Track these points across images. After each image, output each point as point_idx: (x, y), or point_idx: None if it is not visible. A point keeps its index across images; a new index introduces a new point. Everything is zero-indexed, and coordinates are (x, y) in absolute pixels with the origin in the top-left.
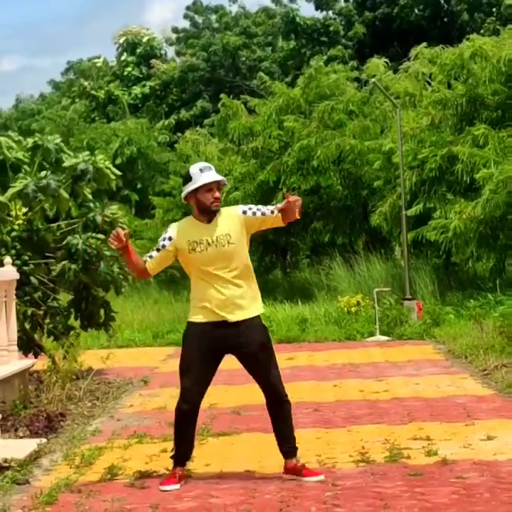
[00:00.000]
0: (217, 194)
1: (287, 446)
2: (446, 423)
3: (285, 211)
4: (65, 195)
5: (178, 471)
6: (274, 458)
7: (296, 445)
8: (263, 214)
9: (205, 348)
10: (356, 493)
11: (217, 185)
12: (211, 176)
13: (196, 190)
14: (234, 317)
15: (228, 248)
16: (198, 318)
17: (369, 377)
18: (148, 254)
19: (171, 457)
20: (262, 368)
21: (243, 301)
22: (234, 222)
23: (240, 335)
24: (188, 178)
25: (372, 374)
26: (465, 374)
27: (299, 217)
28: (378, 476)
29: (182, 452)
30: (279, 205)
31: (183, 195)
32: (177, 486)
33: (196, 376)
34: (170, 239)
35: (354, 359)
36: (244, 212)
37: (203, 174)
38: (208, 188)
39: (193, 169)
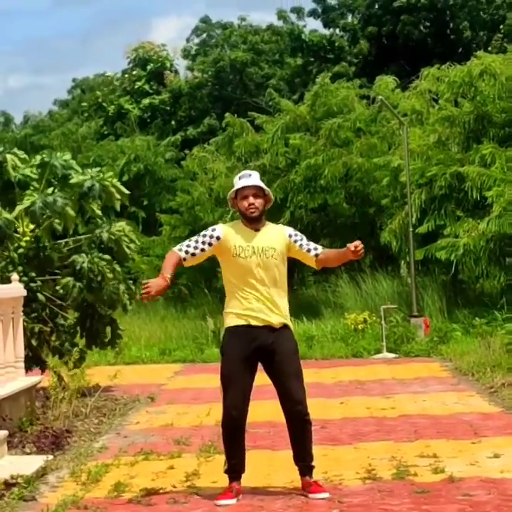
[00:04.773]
0: (251, 200)
1: (302, 463)
2: (453, 440)
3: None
4: (71, 212)
5: (235, 485)
6: (281, 475)
7: (313, 464)
8: (301, 246)
9: (242, 356)
10: (363, 511)
11: (255, 192)
12: (245, 182)
13: (236, 196)
14: (267, 323)
15: (271, 261)
16: (233, 328)
17: (376, 395)
18: (188, 251)
19: (225, 472)
20: (288, 379)
21: (276, 311)
22: (279, 240)
23: (272, 341)
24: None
25: (379, 391)
26: (472, 391)
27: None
28: (385, 493)
29: (235, 465)
30: (343, 250)
31: (229, 203)
32: (233, 501)
33: (237, 387)
34: (218, 239)
35: (361, 376)
36: (290, 236)
37: (239, 181)
38: (243, 194)
39: (236, 177)
